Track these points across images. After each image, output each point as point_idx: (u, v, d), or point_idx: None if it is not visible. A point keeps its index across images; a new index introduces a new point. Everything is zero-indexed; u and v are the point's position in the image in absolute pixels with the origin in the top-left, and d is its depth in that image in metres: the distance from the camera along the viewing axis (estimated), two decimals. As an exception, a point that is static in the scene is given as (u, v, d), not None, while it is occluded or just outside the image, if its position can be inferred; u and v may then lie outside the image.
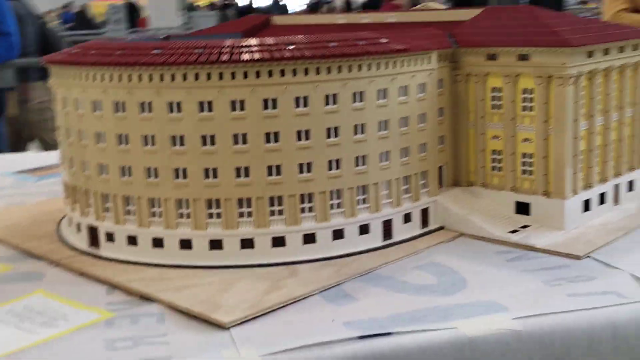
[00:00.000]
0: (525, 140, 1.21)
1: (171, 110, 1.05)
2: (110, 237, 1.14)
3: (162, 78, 1.05)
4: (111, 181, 1.12)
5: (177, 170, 1.07)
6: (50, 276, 1.10)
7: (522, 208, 1.22)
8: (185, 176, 1.07)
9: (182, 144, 1.06)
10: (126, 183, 1.11)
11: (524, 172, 1.22)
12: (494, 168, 1.26)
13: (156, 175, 1.08)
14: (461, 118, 1.27)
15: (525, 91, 1.19)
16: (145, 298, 0.99)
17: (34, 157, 2.16)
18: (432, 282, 1.01)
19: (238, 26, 1.72)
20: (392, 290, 0.99)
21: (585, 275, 1.01)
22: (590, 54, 1.17)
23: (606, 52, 1.20)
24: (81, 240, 1.19)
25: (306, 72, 1.05)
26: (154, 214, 1.10)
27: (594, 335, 0.86)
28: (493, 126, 1.24)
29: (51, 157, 2.10)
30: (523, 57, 1.18)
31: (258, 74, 1.03)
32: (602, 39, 1.19)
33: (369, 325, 0.87)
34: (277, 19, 1.73)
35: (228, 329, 0.88)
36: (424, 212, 1.21)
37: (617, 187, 1.30)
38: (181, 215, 1.09)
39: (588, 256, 1.08)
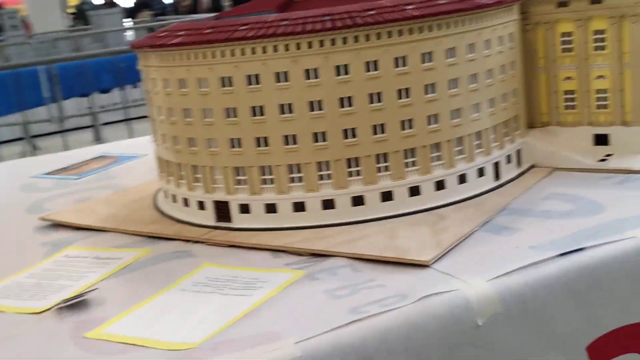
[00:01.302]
0: (599, 77, 1.33)
1: (308, 77, 1.10)
2: (244, 208, 1.18)
3: (298, 47, 1.09)
4: (245, 154, 1.15)
5: (316, 135, 1.12)
6: (199, 253, 1.13)
7: (601, 140, 1.35)
8: (325, 139, 1.12)
9: (320, 108, 1.11)
10: (261, 153, 1.14)
11: (599, 106, 1.34)
12: (567, 107, 1.37)
13: (295, 142, 1.13)
14: (533, 64, 1.37)
15: (596, 32, 1.31)
16: (319, 255, 1.04)
17: (46, 159, 2.10)
18: (572, 208, 1.11)
19: (267, 4, 1.75)
20: (542, 218, 1.08)
21: (696, 185, 1.14)
22: (651, -7, 1.30)
23: (658, -9, 1.34)
24: (206, 217, 1.22)
25: (420, 30, 1.12)
26: (292, 180, 1.15)
27: None
28: (565, 68, 1.36)
29: (64, 157, 2.07)
30: (595, 1, 1.29)
31: (390, 34, 1.10)
32: (658, -21, 1.32)
33: (553, 246, 0.96)
34: (301, -6, 1.78)
35: (429, 266, 0.95)
36: (518, 153, 1.31)
37: (667, 113, 1.45)
38: (321, 177, 1.14)
39: (683, 171, 1.22)
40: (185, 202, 1.26)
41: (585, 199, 1.14)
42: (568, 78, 1.36)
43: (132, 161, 1.88)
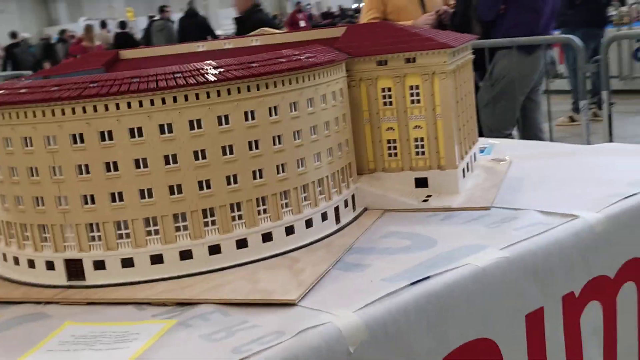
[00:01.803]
0: (417, 127, 1.49)
1: (162, 132, 1.13)
2: (100, 264, 1.17)
3: (152, 102, 1.12)
4: (99, 209, 1.15)
5: (172, 187, 1.15)
6: (55, 313, 1.10)
7: (421, 182, 1.50)
8: (181, 191, 1.16)
9: (175, 162, 1.15)
10: (116, 208, 1.15)
11: (418, 153, 1.50)
12: (390, 154, 1.52)
13: (151, 195, 1.15)
14: (359, 117, 1.51)
15: (412, 87, 1.48)
16: (185, 304, 1.06)
17: None
18: (409, 244, 1.23)
19: (92, 63, 1.75)
20: (386, 254, 1.19)
21: (507, 217, 1.32)
22: (454, 54, 1.50)
23: (458, 52, 1.54)
24: (56, 277, 1.18)
25: (266, 86, 1.20)
26: (149, 233, 1.16)
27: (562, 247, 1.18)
28: (386, 120, 1.51)
29: None
30: (409, 60, 1.46)
31: (239, 90, 1.17)
32: (458, 41, 1.52)
33: (401, 277, 1.07)
34: (126, 53, 1.80)
35: (296, 304, 1.01)
36: (353, 197, 1.43)
37: (470, 158, 1.65)
38: (178, 229, 1.17)
39: (493, 206, 1.40)
40: (31, 264, 1.22)
41: (419, 235, 1.27)
42: (390, 129, 1.51)
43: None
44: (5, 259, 1.27)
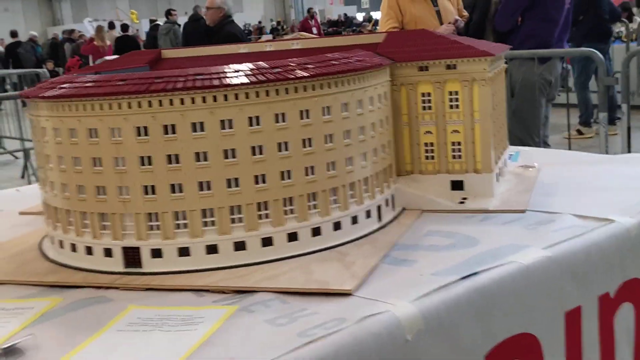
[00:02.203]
0: (454, 131, 1.55)
1: (223, 127, 1.18)
2: (156, 253, 1.22)
3: (215, 99, 1.17)
4: (158, 200, 1.20)
5: (229, 181, 1.20)
6: (116, 297, 1.15)
7: (457, 185, 1.56)
8: (237, 185, 1.21)
9: (234, 156, 1.20)
10: (176, 199, 1.20)
11: (454, 156, 1.55)
12: (427, 157, 1.57)
13: (209, 188, 1.20)
14: (397, 121, 1.56)
15: (451, 93, 1.53)
16: (242, 292, 1.11)
17: None
18: (452, 242, 1.28)
19: (137, 60, 1.80)
20: (431, 251, 1.24)
21: (543, 220, 1.37)
22: (492, 62, 1.55)
23: (494, 61, 1.60)
24: (114, 264, 1.23)
25: (312, 88, 1.25)
26: (205, 224, 1.21)
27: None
28: (425, 123, 1.56)
29: None
30: (449, 66, 1.51)
31: (296, 89, 1.22)
32: (497, 49, 1.58)
33: (450, 272, 1.12)
34: (168, 53, 1.86)
35: (352, 294, 1.06)
36: (392, 197, 1.48)
37: (502, 163, 1.70)
38: (233, 221, 1.22)
39: (528, 210, 1.45)
40: (89, 251, 1.27)
41: (460, 234, 1.32)
42: (428, 132, 1.56)
43: (-15, 217, 1.80)
44: (61, 246, 1.32)
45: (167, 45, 11.64)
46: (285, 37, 1.92)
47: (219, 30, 5.21)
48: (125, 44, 9.62)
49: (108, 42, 8.26)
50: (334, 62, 1.30)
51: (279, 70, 1.22)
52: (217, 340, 0.94)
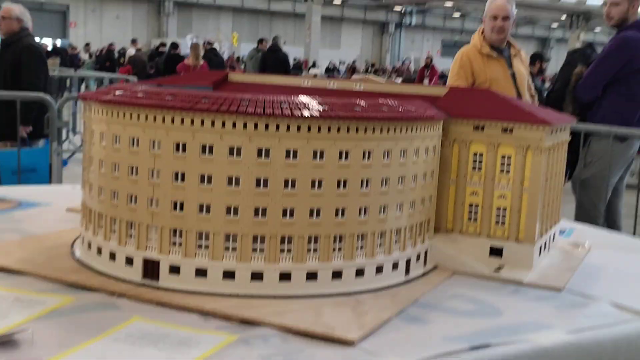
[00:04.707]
0: (501, 196, 1.50)
1: (259, 155, 1.18)
2: (174, 269, 1.22)
3: (256, 127, 1.18)
4: (185, 217, 1.21)
5: (257, 209, 1.20)
6: (125, 307, 1.15)
7: (496, 251, 1.50)
8: (265, 215, 1.20)
9: (265, 185, 1.19)
10: (202, 219, 1.20)
11: (497, 222, 1.51)
12: (470, 218, 1.53)
13: (236, 213, 1.20)
14: (444, 176, 1.53)
15: (504, 157, 1.49)
16: (248, 323, 1.10)
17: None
18: (474, 308, 1.24)
19: (203, 79, 1.84)
20: (450, 314, 1.20)
21: (577, 303, 1.30)
22: (552, 132, 1.50)
23: (555, 131, 1.55)
24: (133, 273, 1.24)
25: (364, 130, 1.24)
26: (227, 248, 1.21)
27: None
28: (472, 184, 1.52)
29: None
30: (506, 130, 1.48)
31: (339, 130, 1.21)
32: (558, 120, 1.53)
33: (461, 339, 1.07)
34: (235, 76, 1.88)
35: (354, 345, 1.03)
36: (425, 253, 1.44)
37: (550, 237, 1.64)
38: (255, 250, 1.21)
39: (565, 289, 1.38)
40: (112, 256, 1.28)
41: (485, 303, 1.27)
42: (474, 193, 1.52)
43: (34, 208, 1.86)
44: (89, 247, 1.34)
45: (249, 69, 11.99)
46: (353, 77, 1.91)
47: (14, 42, 4.67)
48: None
49: (202, 62, 8.46)
50: (383, 108, 1.29)
51: (325, 107, 1.21)
52: (205, 367, 0.93)
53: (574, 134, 3.84)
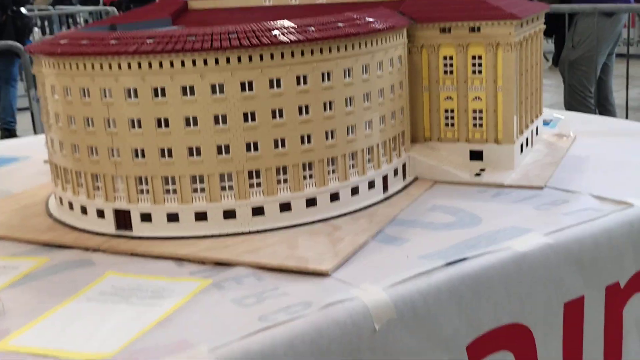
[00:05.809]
0: (476, 98, 1.46)
1: (214, 92, 1.14)
2: (146, 217, 1.20)
3: (205, 62, 1.13)
4: (148, 164, 1.18)
5: (220, 147, 1.17)
6: (100, 261, 1.14)
7: (476, 155, 1.47)
8: (228, 152, 1.17)
9: (225, 122, 1.16)
10: (165, 164, 1.17)
11: (475, 125, 1.47)
12: (447, 124, 1.49)
13: (199, 154, 1.17)
14: (417, 84, 1.48)
15: (474, 57, 1.43)
16: (222, 264, 1.09)
17: None
18: (453, 220, 1.22)
19: (161, 11, 1.77)
20: (428, 229, 1.18)
21: (558, 199, 1.28)
22: (521, 25, 1.44)
23: (526, 23, 1.49)
24: (106, 225, 1.23)
25: (321, 51, 1.19)
26: (195, 190, 1.19)
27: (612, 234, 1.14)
28: (445, 89, 1.47)
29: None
30: (473, 29, 1.42)
31: (293, 54, 1.16)
32: (527, 12, 1.47)
33: (439, 256, 1.06)
34: (195, 3, 1.81)
35: (329, 275, 1.02)
36: (404, 166, 1.41)
37: (531, 132, 1.61)
38: (223, 188, 1.19)
39: (546, 186, 1.36)
40: (83, 210, 1.26)
41: (465, 212, 1.25)
42: (448, 98, 1.48)
43: (12, 164, 1.84)
44: (61, 203, 1.32)
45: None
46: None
47: None
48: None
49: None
50: (339, 25, 1.23)
51: (276, 33, 1.16)
52: (176, 318, 0.92)
53: (558, 16, 3.77)
